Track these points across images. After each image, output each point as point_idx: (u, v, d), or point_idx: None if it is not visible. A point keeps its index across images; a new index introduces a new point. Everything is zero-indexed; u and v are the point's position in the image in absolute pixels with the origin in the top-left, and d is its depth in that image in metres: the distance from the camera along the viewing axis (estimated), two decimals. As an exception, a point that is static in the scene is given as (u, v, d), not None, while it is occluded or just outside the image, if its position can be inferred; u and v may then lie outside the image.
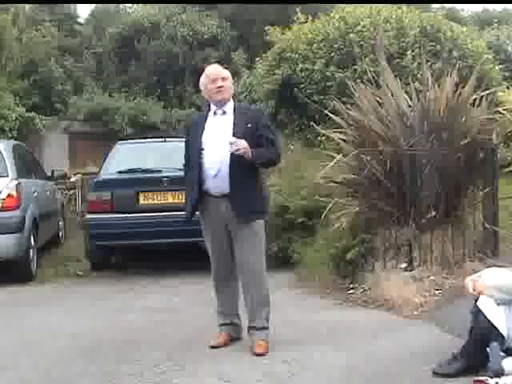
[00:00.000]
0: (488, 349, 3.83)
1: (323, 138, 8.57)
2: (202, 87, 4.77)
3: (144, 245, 8.11)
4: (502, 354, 3.81)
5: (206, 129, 4.66)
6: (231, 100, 4.72)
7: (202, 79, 4.75)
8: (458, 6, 27.76)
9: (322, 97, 10.45)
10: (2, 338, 5.28)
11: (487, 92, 6.73)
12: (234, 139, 4.47)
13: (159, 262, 8.68)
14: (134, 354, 4.64)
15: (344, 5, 12.18)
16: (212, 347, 4.67)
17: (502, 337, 3.83)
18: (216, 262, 4.77)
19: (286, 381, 4.05)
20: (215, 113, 4.70)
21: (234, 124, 4.60)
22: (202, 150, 4.59)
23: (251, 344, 4.60)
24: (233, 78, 4.84)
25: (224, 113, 4.68)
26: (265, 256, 4.75)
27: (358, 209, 6.45)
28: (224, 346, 4.70)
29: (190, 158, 4.73)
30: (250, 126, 4.59)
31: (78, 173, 14.40)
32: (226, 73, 4.73)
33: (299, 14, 12.51)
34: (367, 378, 4.04)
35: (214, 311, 4.88)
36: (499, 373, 3.72)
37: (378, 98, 6.66)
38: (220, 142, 4.54)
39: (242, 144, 4.45)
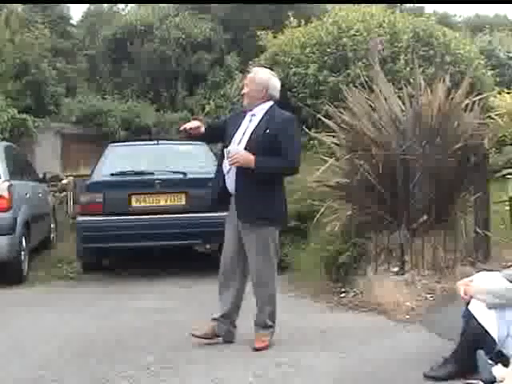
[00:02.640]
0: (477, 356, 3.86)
1: (316, 141, 8.60)
2: None
3: (136, 247, 8.09)
4: (490, 361, 3.82)
5: (238, 131, 4.75)
6: (267, 103, 4.76)
7: None
8: (451, 12, 27.93)
9: (314, 101, 10.50)
10: (-7, 340, 5.27)
11: (479, 97, 6.76)
12: (233, 149, 4.53)
13: (152, 263, 8.67)
14: (126, 355, 4.64)
15: (338, 8, 12.21)
16: (193, 335, 4.75)
17: (494, 341, 3.85)
18: (223, 257, 4.83)
19: (277, 383, 4.06)
20: (248, 115, 4.79)
21: (255, 128, 4.67)
22: (228, 147, 4.69)
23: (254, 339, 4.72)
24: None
25: (253, 115, 4.75)
26: (275, 260, 4.80)
27: (350, 213, 6.46)
28: (203, 338, 4.75)
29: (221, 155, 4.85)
30: (268, 132, 4.62)
31: (69, 175, 14.35)
32: (251, 77, 4.81)
33: (291, 18, 12.55)
34: (358, 381, 4.05)
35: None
36: (490, 381, 3.73)
37: (370, 103, 6.68)
38: (238, 142, 4.65)
39: (240, 155, 4.51)
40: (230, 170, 4.65)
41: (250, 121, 4.75)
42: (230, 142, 4.71)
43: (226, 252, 4.82)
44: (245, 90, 4.81)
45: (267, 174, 4.63)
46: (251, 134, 4.66)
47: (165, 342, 4.95)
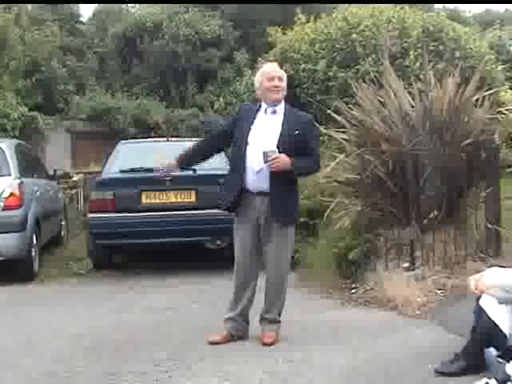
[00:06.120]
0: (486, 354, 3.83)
1: (326, 137, 8.59)
2: (257, 84, 4.80)
3: (146, 244, 8.10)
4: (501, 360, 3.79)
5: (254, 126, 4.67)
6: (283, 101, 4.74)
7: (258, 76, 4.79)
8: (461, 7, 27.79)
9: (324, 97, 10.49)
10: (4, 337, 5.28)
11: (489, 92, 6.74)
12: (270, 150, 4.47)
13: (161, 261, 8.68)
14: (136, 354, 4.64)
15: (346, 5, 12.20)
16: (210, 343, 4.71)
17: (505, 336, 3.83)
18: (240, 259, 4.76)
19: (288, 380, 4.05)
20: (266, 111, 4.72)
21: (283, 126, 4.63)
22: (247, 146, 4.60)
23: (261, 334, 4.72)
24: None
25: (274, 112, 4.71)
26: (291, 257, 4.83)
27: (360, 209, 6.45)
28: (223, 343, 4.71)
29: (234, 153, 4.76)
30: (298, 132, 4.60)
31: (80, 172, 14.42)
32: (283, 73, 4.79)
33: (300, 14, 12.53)
34: (368, 377, 4.04)
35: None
36: (506, 380, 3.68)
37: (380, 98, 6.67)
38: (266, 141, 4.57)
39: (280, 159, 4.46)
40: (261, 168, 4.54)
41: (272, 118, 4.68)
42: (247, 138, 4.60)
43: (243, 252, 4.74)
44: (279, 84, 4.69)
45: (298, 174, 4.68)
46: (280, 134, 4.60)
47: (175, 339, 4.95)
